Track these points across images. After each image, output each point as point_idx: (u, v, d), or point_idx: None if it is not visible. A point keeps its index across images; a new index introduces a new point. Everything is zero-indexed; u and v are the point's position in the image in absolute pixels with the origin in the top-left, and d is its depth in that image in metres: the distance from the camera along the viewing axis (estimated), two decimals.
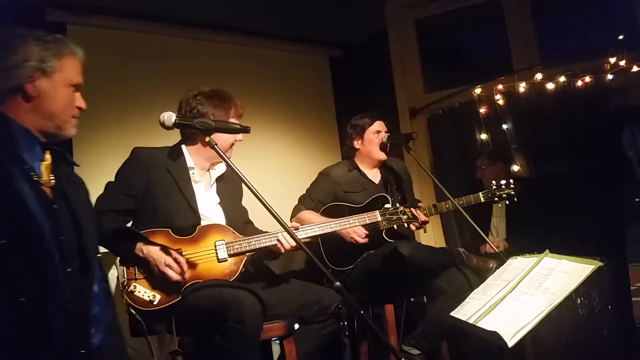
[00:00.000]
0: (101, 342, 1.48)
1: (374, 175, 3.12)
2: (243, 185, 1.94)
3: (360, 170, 3.10)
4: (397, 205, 2.64)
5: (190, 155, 2.34)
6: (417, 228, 2.84)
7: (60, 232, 1.40)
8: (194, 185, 2.31)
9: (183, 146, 2.35)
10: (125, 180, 2.23)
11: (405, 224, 2.64)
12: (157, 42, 3.94)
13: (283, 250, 2.24)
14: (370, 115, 3.11)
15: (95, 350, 1.46)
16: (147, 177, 2.23)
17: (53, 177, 1.47)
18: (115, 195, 2.21)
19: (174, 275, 2.04)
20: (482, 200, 2.87)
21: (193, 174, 2.33)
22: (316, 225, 2.43)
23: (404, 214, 2.60)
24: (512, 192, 2.83)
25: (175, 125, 1.90)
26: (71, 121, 1.53)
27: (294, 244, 2.19)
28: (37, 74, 1.44)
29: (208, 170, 2.39)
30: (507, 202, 2.87)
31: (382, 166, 3.15)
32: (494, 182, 2.90)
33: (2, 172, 1.31)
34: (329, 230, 2.45)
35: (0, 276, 1.25)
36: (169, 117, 1.90)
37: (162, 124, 1.90)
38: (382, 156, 3.05)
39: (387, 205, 2.63)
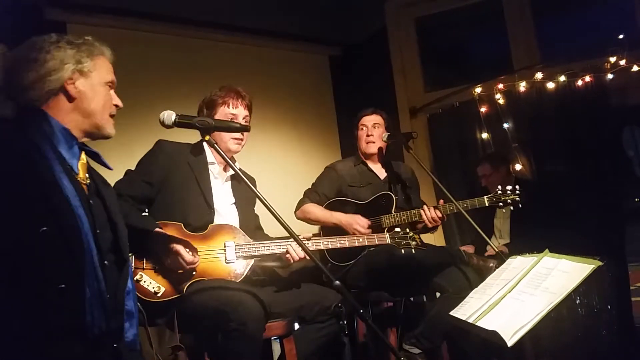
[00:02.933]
0: (134, 337, 1.53)
1: (379, 171, 3.14)
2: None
3: (365, 165, 3.13)
4: (407, 230, 2.62)
5: (212, 152, 2.37)
6: (432, 225, 2.83)
7: (97, 226, 1.45)
8: (213, 181, 2.34)
9: (204, 143, 2.37)
10: (146, 168, 2.26)
11: (413, 251, 2.62)
12: (156, 41, 3.95)
13: (292, 261, 2.25)
14: (362, 110, 3.18)
15: (128, 344, 1.51)
16: (167, 169, 2.26)
17: (88, 177, 1.55)
18: (133, 180, 2.23)
19: (185, 260, 2.04)
20: (487, 205, 2.85)
21: (213, 169, 2.36)
22: (326, 239, 2.44)
23: (412, 240, 2.59)
24: (518, 199, 2.81)
25: (175, 124, 1.90)
26: (109, 119, 1.60)
27: (302, 255, 2.19)
28: (75, 75, 1.52)
29: (225, 167, 2.42)
30: (511, 207, 2.84)
31: (388, 166, 3.16)
32: (499, 187, 2.87)
33: (44, 163, 1.37)
34: (338, 246, 2.44)
35: (42, 262, 1.30)
36: (169, 115, 1.89)
37: (162, 123, 1.90)
38: (370, 150, 3.07)
39: (397, 229, 2.62)
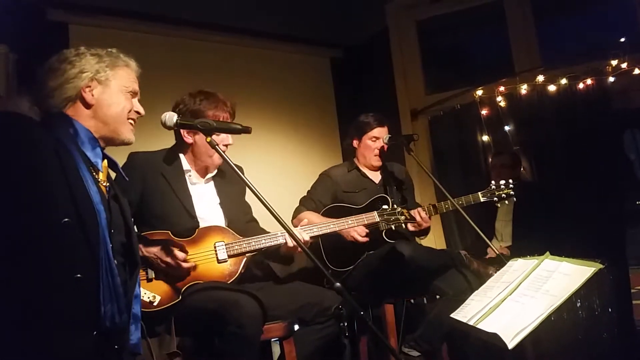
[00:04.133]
0: (138, 341, 1.57)
1: (374, 175, 3.13)
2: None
3: (359, 170, 3.12)
4: (395, 206, 2.64)
5: (187, 159, 2.35)
6: (417, 230, 2.84)
7: (112, 226, 1.53)
8: (191, 188, 2.32)
9: (177, 150, 2.35)
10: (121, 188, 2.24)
11: (403, 225, 2.65)
12: (158, 42, 3.95)
13: (291, 245, 2.21)
14: (374, 119, 3.10)
15: (132, 347, 1.55)
16: (142, 184, 2.24)
17: (107, 182, 1.64)
18: None
19: (178, 262, 2.04)
20: (482, 200, 2.84)
21: (189, 176, 2.33)
22: (315, 225, 2.43)
23: (401, 215, 2.62)
24: (512, 192, 2.81)
25: (177, 125, 1.91)
26: (127, 125, 1.68)
27: (306, 238, 2.21)
28: (93, 83, 1.62)
29: (205, 169, 2.39)
30: (506, 202, 2.84)
31: (383, 168, 3.15)
32: (493, 182, 2.88)
33: (70, 159, 1.45)
34: (328, 231, 2.46)
35: (62, 252, 1.36)
36: (171, 117, 1.90)
37: (164, 124, 1.91)
38: (376, 163, 3.08)
39: (384, 207, 2.64)
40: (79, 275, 1.36)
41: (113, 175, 1.75)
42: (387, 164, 3.19)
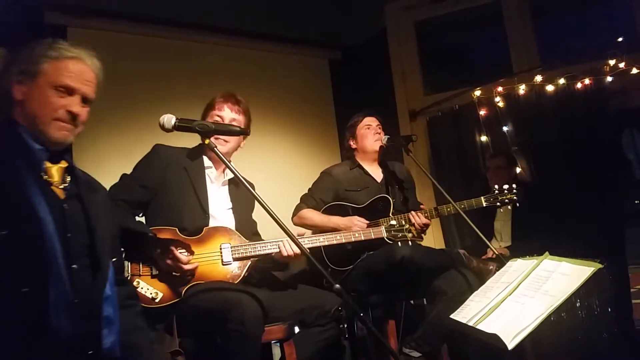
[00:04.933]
0: (113, 344, 1.48)
1: (376, 173, 3.13)
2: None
3: (362, 168, 3.12)
4: (403, 222, 2.64)
5: (209, 158, 2.38)
6: (418, 232, 2.84)
7: (68, 230, 1.44)
8: (209, 185, 2.34)
9: (203, 146, 2.37)
10: (142, 172, 2.27)
11: (410, 243, 2.63)
12: (156, 45, 3.95)
13: (285, 254, 2.23)
14: (359, 113, 3.18)
15: (107, 352, 1.47)
16: (163, 172, 2.27)
17: (69, 179, 1.54)
18: (128, 184, 2.24)
19: (179, 261, 2.04)
20: (484, 205, 2.86)
21: (210, 173, 2.36)
22: (322, 236, 2.43)
23: (409, 232, 2.61)
24: (515, 198, 2.81)
25: (175, 127, 1.90)
26: (53, 124, 1.51)
27: (297, 250, 2.19)
28: (20, 77, 1.49)
29: (223, 171, 2.41)
30: (509, 207, 2.84)
31: (384, 167, 3.16)
32: (496, 186, 2.88)
33: (7, 165, 1.37)
34: (334, 242, 2.45)
35: (3, 266, 1.30)
36: (169, 119, 1.89)
37: (162, 127, 1.90)
38: (376, 146, 3.07)
39: (392, 222, 2.64)
40: (25, 289, 1.29)
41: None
42: (388, 163, 3.20)
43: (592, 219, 3.45)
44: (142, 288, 2.06)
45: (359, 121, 3.14)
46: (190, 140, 2.38)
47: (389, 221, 2.71)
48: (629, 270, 3.34)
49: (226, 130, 2.00)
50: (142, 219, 2.31)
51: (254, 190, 2.00)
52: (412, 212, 2.87)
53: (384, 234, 2.61)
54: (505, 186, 2.85)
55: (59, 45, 1.55)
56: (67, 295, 1.36)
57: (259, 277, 2.38)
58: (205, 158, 2.37)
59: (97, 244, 1.52)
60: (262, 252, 2.24)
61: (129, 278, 2.08)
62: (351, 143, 3.17)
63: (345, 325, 1.99)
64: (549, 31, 4.39)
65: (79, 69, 1.56)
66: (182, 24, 4.04)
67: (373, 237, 2.59)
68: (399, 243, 2.58)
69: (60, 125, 1.52)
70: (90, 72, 1.59)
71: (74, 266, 1.42)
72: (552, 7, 4.41)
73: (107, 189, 2.24)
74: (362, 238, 2.55)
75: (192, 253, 2.11)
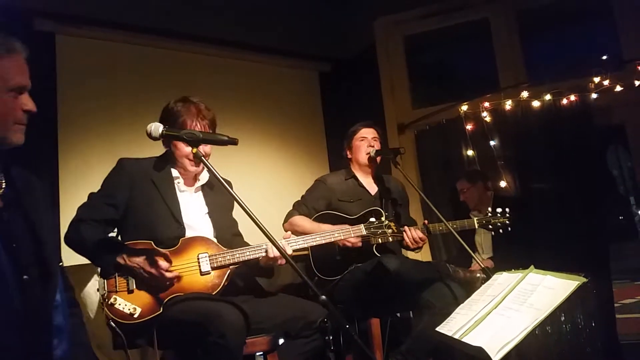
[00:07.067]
0: (64, 353, 1.43)
1: (370, 186, 3.13)
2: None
3: (357, 179, 3.11)
4: (382, 219, 2.64)
5: (176, 167, 2.33)
6: (413, 246, 2.83)
7: (12, 240, 1.36)
8: (179, 195, 2.29)
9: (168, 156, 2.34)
10: (108, 190, 2.21)
11: (390, 239, 2.63)
12: (146, 54, 3.95)
13: (272, 255, 2.19)
14: (359, 124, 3.17)
15: None
16: (130, 188, 2.21)
17: (5, 185, 1.42)
18: (96, 204, 2.18)
19: (161, 271, 2.02)
20: (476, 227, 2.88)
21: (178, 183, 2.31)
22: (301, 238, 2.42)
23: (388, 228, 2.61)
24: (507, 222, 2.83)
25: (163, 136, 1.90)
26: (13, 128, 1.40)
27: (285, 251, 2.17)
28: None
29: (195, 177, 2.38)
30: (500, 231, 2.85)
31: (379, 180, 3.16)
32: (489, 209, 2.90)
33: None
34: (314, 243, 2.44)
35: None
36: (156, 128, 1.89)
37: (149, 135, 1.89)
38: (365, 161, 3.06)
39: (371, 219, 2.64)
40: None
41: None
42: (384, 177, 3.19)
43: (577, 233, 3.48)
44: (119, 304, 2.02)
45: (356, 132, 3.13)
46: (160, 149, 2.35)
47: (368, 219, 2.71)
48: (613, 284, 3.37)
49: (214, 140, 1.99)
50: (116, 236, 2.26)
51: (232, 188, 1.95)
52: (406, 227, 2.86)
53: (364, 231, 2.60)
54: (499, 210, 2.86)
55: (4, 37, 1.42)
56: (14, 308, 1.31)
57: (242, 285, 2.36)
58: (172, 168, 2.31)
59: (45, 252, 1.43)
60: (240, 260, 2.21)
61: (105, 295, 2.05)
62: (347, 153, 3.18)
63: (331, 337, 1.97)
64: (536, 48, 4.46)
65: (20, 62, 1.44)
66: (171, 34, 4.05)
67: (353, 235, 2.60)
68: (380, 240, 2.57)
69: (20, 127, 1.42)
70: (24, 61, 1.46)
71: (25, 277, 1.35)
72: (538, 25, 4.50)
73: (87, 197, 2.21)
74: (342, 237, 2.55)
75: (170, 262, 2.08)
